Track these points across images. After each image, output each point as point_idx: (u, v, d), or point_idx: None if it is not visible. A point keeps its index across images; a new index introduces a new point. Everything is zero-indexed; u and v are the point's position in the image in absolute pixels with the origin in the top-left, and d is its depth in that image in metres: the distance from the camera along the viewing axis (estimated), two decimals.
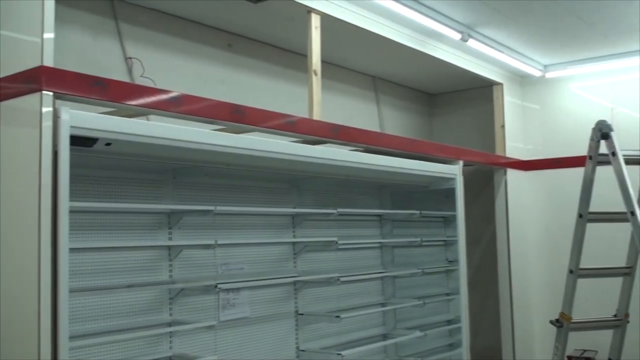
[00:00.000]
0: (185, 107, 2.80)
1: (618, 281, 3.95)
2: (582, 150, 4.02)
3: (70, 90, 2.35)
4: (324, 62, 3.64)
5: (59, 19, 2.42)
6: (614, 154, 3.75)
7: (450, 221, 4.76)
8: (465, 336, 4.53)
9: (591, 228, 3.87)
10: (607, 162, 3.79)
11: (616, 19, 4.26)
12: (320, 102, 3.58)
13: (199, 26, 3.92)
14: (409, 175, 4.12)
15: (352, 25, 3.84)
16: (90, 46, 3.36)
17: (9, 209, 2.36)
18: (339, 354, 3.65)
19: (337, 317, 3.75)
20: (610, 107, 5.12)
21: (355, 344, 4.08)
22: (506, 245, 5.19)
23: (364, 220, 4.45)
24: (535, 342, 5.35)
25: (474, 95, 5.79)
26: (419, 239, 4.52)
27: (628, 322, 3.94)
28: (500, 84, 5.33)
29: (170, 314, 3.13)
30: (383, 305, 4.48)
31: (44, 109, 2.25)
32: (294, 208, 3.83)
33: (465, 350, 4.52)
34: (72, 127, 2.30)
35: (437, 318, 4.88)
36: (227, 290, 3.36)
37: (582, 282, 3.87)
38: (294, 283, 3.80)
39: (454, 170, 4.49)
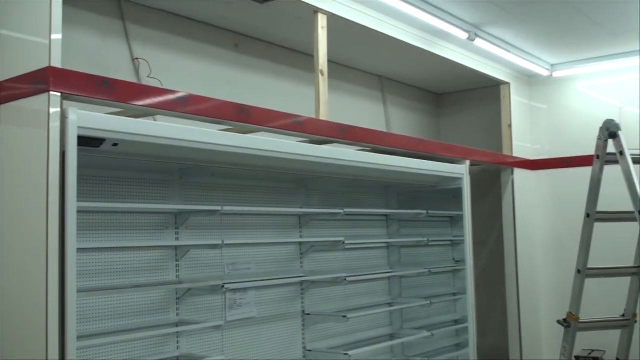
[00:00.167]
0: (192, 107, 2.80)
1: (626, 281, 3.93)
2: (590, 149, 4.00)
3: (77, 90, 2.36)
4: (330, 62, 3.64)
5: (66, 19, 2.43)
6: (621, 153, 3.73)
7: (457, 221, 4.76)
8: (472, 336, 4.52)
9: (599, 228, 3.85)
10: (615, 162, 3.78)
11: (624, 17, 4.24)
12: (327, 102, 3.58)
13: (206, 26, 3.93)
14: (416, 175, 4.11)
15: (359, 25, 3.84)
16: (97, 47, 3.37)
17: (17, 209, 2.37)
18: (345, 354, 3.64)
19: (344, 317, 3.75)
20: (618, 107, 5.10)
21: (362, 344, 4.09)
22: (513, 245, 5.18)
23: (370, 220, 4.45)
24: (543, 342, 5.34)
25: (481, 95, 5.78)
26: (425, 239, 4.52)
27: (636, 321, 3.92)
28: (508, 84, 5.32)
29: (178, 314, 3.14)
30: (390, 305, 4.47)
31: (52, 110, 2.26)
32: (301, 208, 3.83)
33: (472, 351, 4.52)
34: (79, 127, 2.31)
35: (444, 318, 4.88)
36: (234, 290, 3.36)
37: (589, 282, 3.86)
38: (301, 283, 3.80)
39: (461, 170, 4.48)
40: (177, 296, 3.14)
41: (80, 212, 2.33)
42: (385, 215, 4.56)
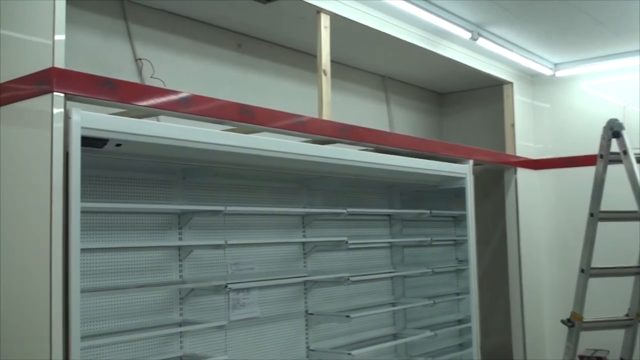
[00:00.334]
0: (195, 107, 2.80)
1: (630, 280, 3.93)
2: (593, 149, 4.00)
3: (80, 91, 2.36)
4: (333, 61, 3.64)
5: (69, 20, 2.43)
6: (625, 152, 3.73)
7: (460, 220, 4.76)
8: (475, 336, 4.52)
9: (602, 227, 3.85)
10: (619, 161, 3.78)
11: (626, 16, 4.23)
12: (330, 102, 3.58)
13: (209, 27, 3.93)
14: (419, 174, 4.11)
15: (362, 24, 3.84)
16: (100, 47, 3.37)
17: (21, 209, 2.37)
18: (349, 354, 3.65)
19: (347, 316, 3.75)
20: (621, 106, 5.09)
21: (366, 344, 4.09)
22: (516, 245, 5.18)
23: (373, 220, 4.44)
24: (547, 342, 5.33)
25: (484, 95, 5.77)
26: (428, 239, 4.52)
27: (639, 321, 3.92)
28: (511, 83, 5.32)
29: (181, 314, 3.14)
30: (393, 304, 4.47)
31: (55, 110, 2.27)
32: (304, 208, 3.83)
33: (475, 350, 4.51)
34: (83, 128, 2.32)
35: (447, 318, 4.88)
36: (237, 290, 3.37)
37: (593, 282, 3.86)
38: (304, 283, 3.81)
39: (464, 170, 4.48)
40: (181, 296, 3.15)
41: (83, 212, 2.33)
42: (388, 215, 4.56)
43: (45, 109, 2.28)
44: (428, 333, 4.27)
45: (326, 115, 3.54)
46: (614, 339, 4.11)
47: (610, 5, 4.03)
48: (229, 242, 3.18)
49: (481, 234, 4.83)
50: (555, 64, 5.39)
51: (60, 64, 2.33)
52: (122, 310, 2.89)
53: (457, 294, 4.97)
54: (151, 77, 3.48)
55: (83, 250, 2.34)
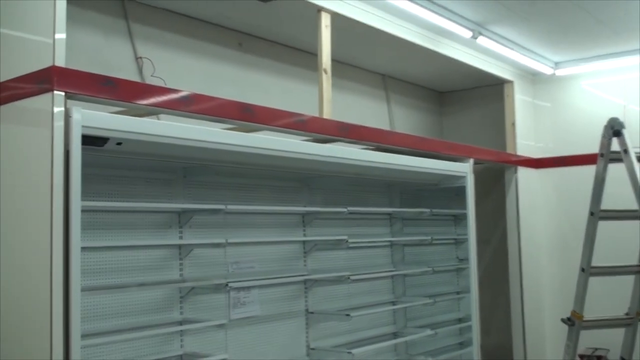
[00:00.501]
0: (196, 106, 2.81)
1: (630, 279, 3.93)
2: (594, 148, 4.00)
3: (81, 90, 2.36)
4: (334, 60, 3.64)
5: (70, 19, 2.44)
6: (625, 151, 3.73)
7: (460, 219, 4.76)
8: (475, 335, 4.52)
9: (603, 226, 3.85)
10: (619, 160, 3.78)
11: (627, 15, 4.23)
12: (331, 101, 3.58)
13: (209, 26, 3.93)
14: (419, 173, 4.11)
15: (362, 23, 3.84)
16: (101, 46, 3.37)
17: (21, 208, 2.38)
18: (349, 352, 3.65)
19: (348, 315, 3.76)
20: (622, 105, 5.09)
21: (366, 343, 4.09)
22: (517, 244, 5.18)
23: (374, 219, 4.45)
24: (547, 341, 5.34)
25: (484, 93, 5.77)
26: (429, 238, 4.52)
27: None
28: (511, 82, 5.31)
29: (181, 313, 3.14)
30: (393, 303, 4.48)
31: (56, 109, 2.27)
32: (304, 207, 3.84)
33: (475, 349, 4.52)
34: (83, 126, 2.32)
35: (448, 316, 4.88)
36: (238, 288, 3.37)
37: (593, 281, 3.86)
38: (305, 281, 3.81)
39: (465, 169, 4.48)
40: (181, 295, 3.15)
41: (84, 211, 2.33)
42: (389, 214, 4.56)
43: (45, 108, 2.28)
44: (428, 332, 4.27)
45: (327, 114, 3.54)
46: (614, 338, 4.11)
47: (611, 4, 4.03)
48: (230, 240, 3.19)
49: (482, 232, 4.83)
50: (556, 63, 5.39)
51: (60, 62, 2.33)
52: (123, 309, 2.90)
53: (458, 292, 4.97)
54: (152, 75, 3.48)
55: (83, 248, 2.34)
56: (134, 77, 3.44)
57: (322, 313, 3.86)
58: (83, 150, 2.32)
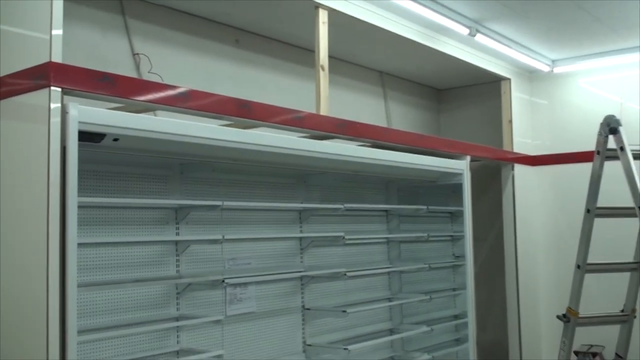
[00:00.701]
0: (193, 102, 2.80)
1: (625, 276, 3.94)
2: (591, 145, 4.01)
3: (78, 85, 2.36)
4: (331, 57, 3.64)
5: (66, 14, 2.43)
6: (622, 149, 3.74)
7: (457, 216, 4.76)
8: (471, 331, 4.53)
9: (599, 223, 3.86)
10: (615, 157, 3.79)
11: (624, 13, 4.24)
12: (328, 98, 3.58)
13: (207, 22, 3.93)
14: (416, 170, 4.12)
15: (360, 20, 3.84)
16: (98, 42, 3.37)
17: (18, 204, 2.38)
18: (345, 349, 3.66)
19: (344, 311, 3.76)
20: (618, 102, 5.10)
21: (362, 339, 4.10)
22: (513, 241, 5.19)
23: (371, 216, 4.45)
24: (542, 337, 5.35)
25: (481, 91, 5.77)
26: (425, 234, 4.52)
27: (635, 317, 3.93)
28: (508, 79, 5.32)
29: (178, 309, 3.15)
30: (390, 300, 4.49)
31: (53, 105, 2.27)
32: (301, 203, 3.84)
33: (471, 345, 4.53)
34: (80, 122, 2.31)
35: (444, 313, 4.89)
36: (234, 285, 3.37)
37: (589, 278, 3.87)
38: (301, 278, 3.81)
39: (461, 166, 4.48)
40: (178, 291, 3.15)
41: (80, 207, 2.33)
42: (386, 211, 4.56)
43: (42, 104, 2.28)
44: (424, 328, 4.28)
45: (324, 111, 3.54)
46: (609, 335, 4.13)
47: (608, 2, 4.03)
48: (226, 237, 3.19)
49: (478, 230, 4.84)
50: (553, 61, 5.40)
51: (57, 58, 2.33)
52: (119, 305, 2.90)
53: (454, 289, 4.98)
54: (149, 72, 3.48)
55: (80, 244, 2.34)
56: (131, 73, 3.44)
57: (319, 309, 3.87)
58: (80, 146, 2.32)
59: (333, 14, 3.63)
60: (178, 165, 3.18)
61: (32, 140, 2.32)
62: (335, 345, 3.86)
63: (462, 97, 5.97)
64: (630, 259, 3.95)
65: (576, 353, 4.74)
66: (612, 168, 3.89)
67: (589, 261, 3.83)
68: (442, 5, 4.05)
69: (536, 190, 5.46)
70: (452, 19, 4.17)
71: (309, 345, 3.81)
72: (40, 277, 2.22)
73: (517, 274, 5.16)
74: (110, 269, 2.88)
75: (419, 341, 4.54)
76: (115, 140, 2.53)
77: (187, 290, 3.17)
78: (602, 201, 3.86)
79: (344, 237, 3.88)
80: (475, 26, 4.36)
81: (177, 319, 3.12)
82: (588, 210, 3.86)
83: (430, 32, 4.38)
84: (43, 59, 2.32)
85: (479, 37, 4.46)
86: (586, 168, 3.98)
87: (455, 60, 4.78)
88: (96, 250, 2.82)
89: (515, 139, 5.30)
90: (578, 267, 3.86)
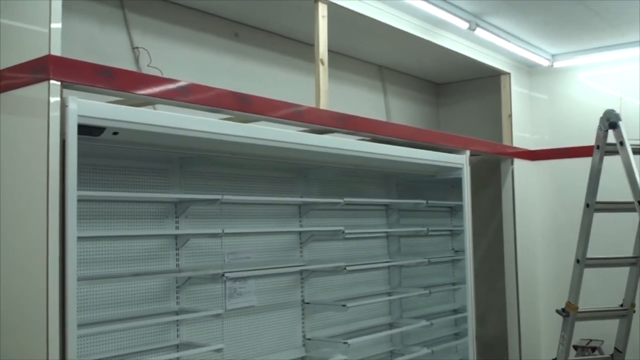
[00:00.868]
0: (192, 96, 2.80)
1: (625, 271, 3.94)
2: (590, 140, 4.01)
3: (77, 79, 2.35)
4: (330, 51, 3.64)
5: (65, 8, 2.42)
6: (621, 143, 3.73)
7: (456, 211, 4.77)
8: (471, 325, 4.54)
9: (598, 218, 3.86)
10: (615, 152, 3.78)
11: (624, 7, 4.23)
12: (327, 92, 3.58)
13: (206, 15, 3.92)
14: (416, 164, 4.12)
15: (359, 14, 3.83)
16: (97, 36, 3.36)
17: (17, 198, 2.37)
18: (345, 343, 3.66)
19: (344, 306, 3.76)
20: (618, 97, 5.09)
21: (362, 333, 4.11)
22: (512, 235, 5.19)
23: (370, 210, 4.45)
24: (542, 332, 5.36)
25: (481, 85, 5.77)
26: (425, 229, 4.53)
27: (634, 312, 3.93)
28: (508, 74, 5.31)
29: (177, 303, 3.15)
30: (389, 294, 4.49)
31: (52, 99, 2.26)
32: (301, 197, 3.84)
33: (471, 340, 4.54)
34: (79, 116, 2.31)
35: (443, 307, 4.90)
36: (234, 279, 3.38)
37: (588, 272, 3.87)
38: (301, 272, 3.82)
39: (461, 160, 4.48)
40: (177, 285, 3.15)
41: (80, 200, 2.33)
42: (385, 205, 4.56)
43: (41, 97, 2.28)
44: (424, 322, 4.29)
45: (323, 105, 3.54)
46: (608, 330, 4.13)
47: None
48: (226, 231, 3.19)
49: (477, 224, 4.84)
50: (553, 55, 5.39)
51: (56, 51, 2.32)
52: (119, 299, 2.90)
53: (453, 284, 4.99)
54: (148, 65, 3.48)
55: (80, 238, 2.34)
56: (130, 67, 3.43)
57: (318, 303, 3.87)
58: (79, 139, 2.31)
59: (332, 7, 3.62)
60: (177, 159, 3.18)
61: (32, 133, 2.32)
62: (335, 339, 3.87)
63: (462, 92, 5.97)
64: (630, 254, 3.95)
65: (575, 347, 4.74)
66: (611, 163, 3.89)
67: (588, 256, 3.84)
68: None
69: (536, 185, 5.46)
70: (452, 13, 4.16)
71: (309, 339, 3.82)
72: (40, 271, 2.22)
73: (517, 268, 5.16)
74: (110, 263, 2.88)
75: (418, 335, 4.55)
76: (115, 133, 2.53)
77: (187, 284, 3.17)
78: (601, 196, 3.86)
79: (343, 232, 3.88)
80: (475, 20, 4.36)
81: (177, 313, 3.12)
82: (587, 205, 3.86)
83: (429, 26, 4.38)
84: (42, 53, 2.32)
85: (479, 32, 4.45)
86: (586, 163, 3.98)
87: (454, 55, 4.77)
88: (96, 244, 2.82)
89: (515, 133, 5.30)
90: (577, 261, 3.86)
